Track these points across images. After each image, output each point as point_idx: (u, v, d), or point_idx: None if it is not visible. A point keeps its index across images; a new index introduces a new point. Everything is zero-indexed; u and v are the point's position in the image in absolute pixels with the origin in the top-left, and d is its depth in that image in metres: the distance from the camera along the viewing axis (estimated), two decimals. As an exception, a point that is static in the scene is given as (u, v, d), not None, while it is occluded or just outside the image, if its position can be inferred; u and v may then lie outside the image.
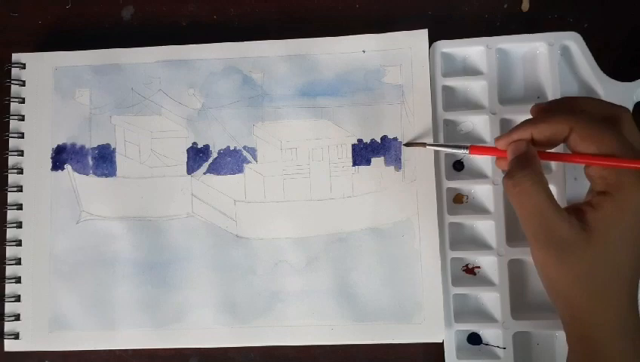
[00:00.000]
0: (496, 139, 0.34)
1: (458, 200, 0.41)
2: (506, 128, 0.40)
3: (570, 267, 0.30)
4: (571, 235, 0.30)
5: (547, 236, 0.30)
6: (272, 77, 0.42)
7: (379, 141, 0.41)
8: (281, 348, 0.41)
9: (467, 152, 0.35)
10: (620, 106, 0.33)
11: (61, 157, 0.42)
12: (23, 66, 0.43)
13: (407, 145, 0.40)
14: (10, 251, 0.42)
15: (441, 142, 0.41)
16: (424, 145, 0.39)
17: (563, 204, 0.39)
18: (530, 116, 0.36)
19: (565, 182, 0.39)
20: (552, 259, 0.30)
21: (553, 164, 0.40)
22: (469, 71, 0.42)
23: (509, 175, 0.31)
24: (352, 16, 0.44)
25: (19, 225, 0.42)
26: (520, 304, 0.39)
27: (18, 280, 0.41)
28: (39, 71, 0.43)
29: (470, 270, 0.41)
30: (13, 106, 0.43)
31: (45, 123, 0.43)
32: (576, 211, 0.31)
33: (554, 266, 0.30)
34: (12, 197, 0.42)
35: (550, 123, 0.31)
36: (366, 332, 0.40)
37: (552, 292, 0.32)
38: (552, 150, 0.33)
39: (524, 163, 0.31)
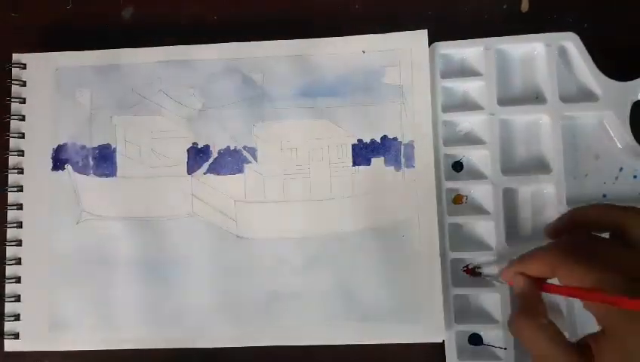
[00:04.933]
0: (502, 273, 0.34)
1: (458, 200, 0.41)
2: (506, 128, 0.41)
3: None
4: None
5: None
6: (272, 77, 0.42)
7: (379, 141, 0.41)
8: (281, 348, 0.41)
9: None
10: (629, 209, 0.31)
11: (61, 157, 0.42)
12: (24, 66, 0.43)
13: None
14: (10, 251, 0.42)
15: (441, 142, 0.41)
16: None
17: (563, 205, 0.39)
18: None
19: (565, 181, 0.39)
20: None
21: (553, 164, 0.40)
22: (468, 72, 0.42)
23: (512, 320, 0.32)
24: (352, 16, 0.44)
25: (19, 225, 0.42)
26: (520, 304, 0.39)
27: (18, 280, 0.41)
28: (40, 71, 0.43)
29: (471, 270, 0.41)
30: (14, 106, 0.43)
31: (46, 123, 0.43)
32: (584, 350, 0.29)
33: None
34: (12, 197, 0.42)
35: (533, 264, 0.32)
36: (366, 332, 0.40)
37: None
38: None
39: (525, 310, 0.31)
